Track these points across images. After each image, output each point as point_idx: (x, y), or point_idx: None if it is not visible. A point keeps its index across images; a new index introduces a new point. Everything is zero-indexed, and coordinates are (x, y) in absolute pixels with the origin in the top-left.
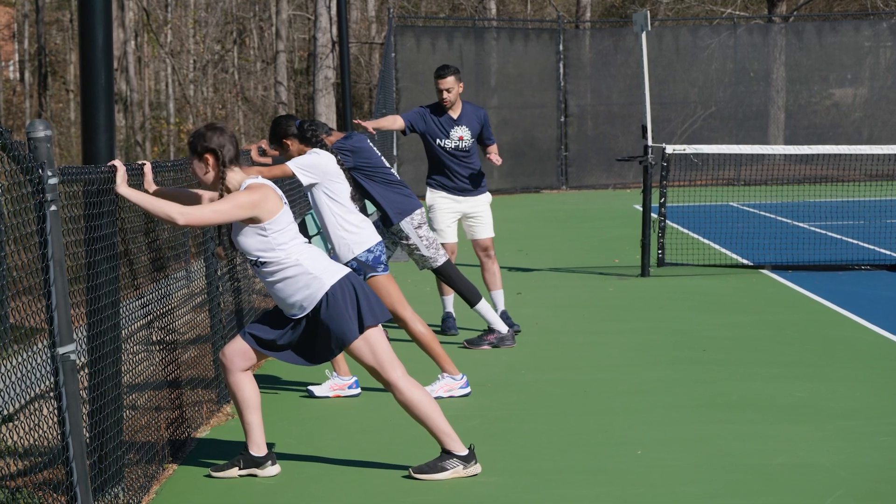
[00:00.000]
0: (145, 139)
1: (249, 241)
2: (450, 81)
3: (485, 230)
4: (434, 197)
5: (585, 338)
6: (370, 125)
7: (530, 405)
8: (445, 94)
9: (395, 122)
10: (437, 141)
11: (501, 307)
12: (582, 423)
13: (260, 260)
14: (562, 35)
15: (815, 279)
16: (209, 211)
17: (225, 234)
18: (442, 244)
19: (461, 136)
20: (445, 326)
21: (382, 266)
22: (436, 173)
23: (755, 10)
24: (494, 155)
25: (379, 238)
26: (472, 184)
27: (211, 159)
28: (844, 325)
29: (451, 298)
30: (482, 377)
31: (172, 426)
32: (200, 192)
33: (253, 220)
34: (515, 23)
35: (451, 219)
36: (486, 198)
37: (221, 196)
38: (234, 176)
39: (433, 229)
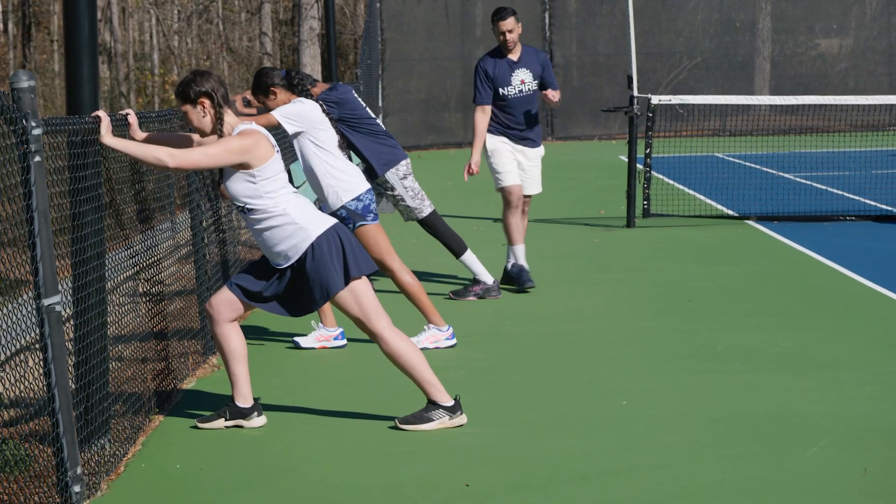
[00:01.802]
0: (129, 90)
1: (238, 186)
2: (510, 23)
3: (532, 186)
4: (494, 142)
5: (571, 289)
6: (475, 163)
7: (516, 356)
8: (508, 35)
9: (485, 113)
10: (501, 90)
11: (522, 261)
12: (568, 374)
13: (247, 207)
14: None
15: (801, 230)
16: (199, 154)
17: (223, 178)
18: (506, 188)
19: (522, 79)
20: (521, 279)
21: (372, 215)
22: (496, 119)
23: None
24: (551, 92)
25: (368, 186)
26: (532, 134)
27: (207, 102)
28: (830, 276)
29: (521, 248)
30: (468, 328)
31: (158, 377)
32: (189, 134)
33: (243, 166)
34: None
35: (513, 163)
36: (541, 151)
37: (221, 137)
38: (228, 119)
39: (496, 172)
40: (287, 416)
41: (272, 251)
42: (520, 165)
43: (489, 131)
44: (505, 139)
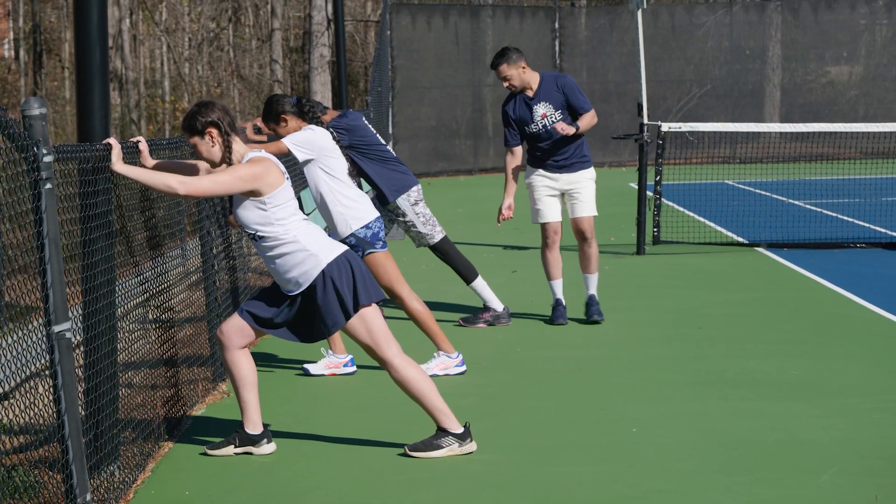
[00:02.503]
0: (140, 117)
1: (249, 214)
2: (503, 69)
3: (582, 208)
4: (531, 176)
5: (581, 315)
6: (506, 207)
7: (526, 383)
8: (506, 84)
9: (514, 155)
10: (526, 129)
11: (591, 291)
12: (577, 401)
13: (258, 234)
14: (557, 13)
15: (811, 257)
16: (209, 181)
17: (233, 206)
18: (544, 224)
19: (543, 113)
20: (556, 315)
21: (381, 243)
22: (530, 152)
23: None
24: (560, 125)
25: (377, 213)
26: (569, 159)
27: (214, 132)
28: (840, 303)
29: (558, 283)
30: (477, 355)
31: (168, 404)
32: (198, 162)
33: (253, 194)
34: (511, 1)
35: (549, 196)
36: (587, 173)
37: (230, 165)
38: (237, 147)
39: (532, 207)
40: (296, 443)
41: (283, 278)
42: (567, 193)
43: (528, 163)
44: (542, 171)
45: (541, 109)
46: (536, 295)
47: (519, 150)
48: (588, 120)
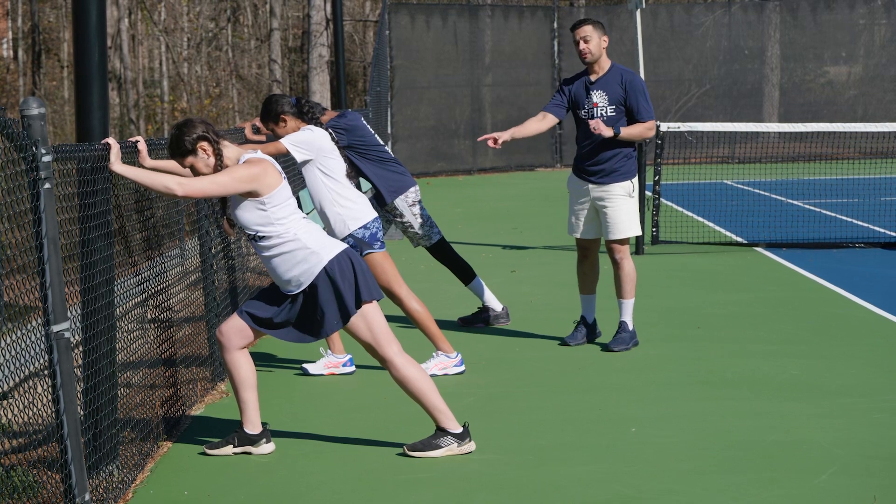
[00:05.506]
0: (139, 117)
1: (249, 215)
2: (587, 30)
3: (608, 229)
4: (569, 181)
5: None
6: (502, 137)
7: (525, 382)
8: (583, 45)
9: (543, 119)
10: (579, 112)
11: (622, 317)
12: (576, 401)
13: (259, 234)
14: (556, 13)
15: (810, 257)
16: (207, 182)
17: (230, 208)
18: (575, 237)
19: (595, 102)
20: (571, 334)
21: (379, 243)
22: (576, 152)
23: None
24: (598, 122)
25: (375, 214)
26: (601, 166)
27: (205, 144)
28: (838, 303)
29: (587, 298)
30: (476, 355)
31: (167, 404)
32: None
33: (252, 194)
34: (510, 0)
35: (580, 208)
36: (618, 188)
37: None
38: (228, 151)
39: (569, 219)
40: (295, 443)
41: (284, 278)
42: (598, 209)
43: (573, 166)
44: (575, 177)
45: (595, 97)
46: (535, 294)
47: (550, 118)
48: (639, 130)
